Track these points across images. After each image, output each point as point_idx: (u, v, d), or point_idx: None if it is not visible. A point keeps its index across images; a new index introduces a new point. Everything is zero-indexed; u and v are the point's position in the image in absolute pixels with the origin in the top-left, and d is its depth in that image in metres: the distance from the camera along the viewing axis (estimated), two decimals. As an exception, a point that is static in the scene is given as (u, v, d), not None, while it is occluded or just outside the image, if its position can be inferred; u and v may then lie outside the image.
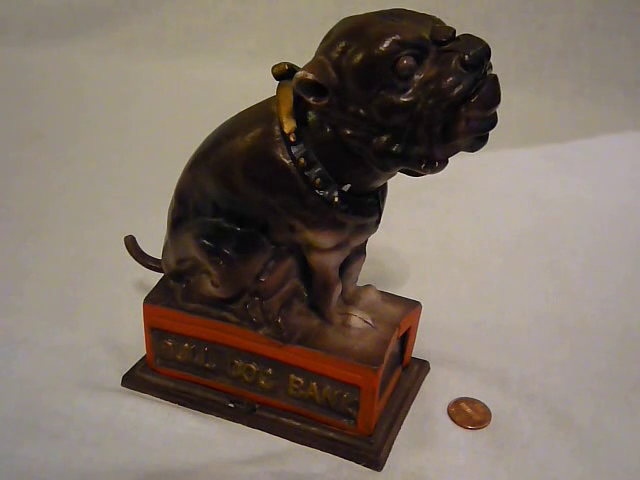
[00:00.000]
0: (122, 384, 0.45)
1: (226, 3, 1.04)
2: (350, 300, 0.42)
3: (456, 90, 0.30)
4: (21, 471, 0.38)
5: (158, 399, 0.44)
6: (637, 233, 0.66)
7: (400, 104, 0.31)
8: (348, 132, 0.33)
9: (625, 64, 0.91)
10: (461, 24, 0.32)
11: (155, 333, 0.43)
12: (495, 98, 0.31)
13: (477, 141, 0.32)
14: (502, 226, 0.66)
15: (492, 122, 0.31)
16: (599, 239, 0.65)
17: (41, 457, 0.39)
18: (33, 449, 0.40)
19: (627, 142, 0.84)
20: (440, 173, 0.35)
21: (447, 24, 0.32)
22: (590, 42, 0.92)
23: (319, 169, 0.35)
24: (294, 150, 0.35)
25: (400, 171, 0.35)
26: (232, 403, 0.43)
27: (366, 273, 0.43)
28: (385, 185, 0.39)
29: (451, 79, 0.30)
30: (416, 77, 0.31)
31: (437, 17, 0.32)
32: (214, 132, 0.39)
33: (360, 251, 0.41)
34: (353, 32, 0.32)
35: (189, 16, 1.05)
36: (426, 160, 0.32)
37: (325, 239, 0.37)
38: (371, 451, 0.40)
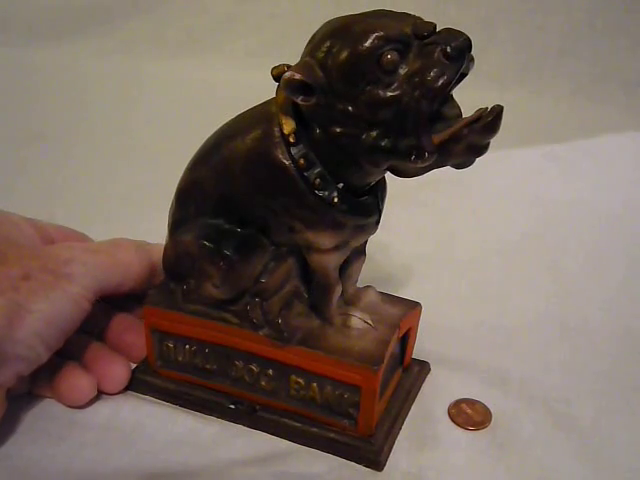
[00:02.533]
0: (123, 385, 0.45)
1: (226, 3, 1.04)
2: (350, 301, 0.42)
3: (440, 81, 0.31)
4: (22, 473, 0.38)
5: (159, 401, 0.44)
6: (637, 233, 0.66)
7: (387, 98, 0.31)
8: (337, 130, 0.33)
9: (625, 64, 0.91)
10: (461, 24, 0.32)
11: (156, 335, 0.43)
12: (496, 128, 0.32)
13: (463, 164, 0.33)
14: (502, 226, 0.66)
15: (482, 151, 0.32)
16: (599, 239, 0.65)
17: (42, 459, 0.39)
18: (34, 451, 0.40)
19: (627, 142, 0.84)
20: (440, 173, 0.35)
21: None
22: (590, 42, 0.92)
23: (318, 169, 0.35)
24: (294, 151, 0.35)
25: (391, 172, 0.35)
26: (233, 404, 0.43)
27: (366, 274, 0.43)
28: (385, 185, 0.39)
29: (435, 70, 0.31)
30: (400, 71, 0.31)
31: (418, 15, 0.33)
32: (214, 133, 0.39)
33: (360, 252, 0.41)
34: (337, 31, 0.32)
35: (189, 16, 1.05)
36: (415, 151, 0.32)
37: (325, 240, 0.37)
38: (372, 451, 0.40)
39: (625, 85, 0.91)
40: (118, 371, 0.43)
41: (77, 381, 0.42)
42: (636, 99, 0.90)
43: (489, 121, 0.31)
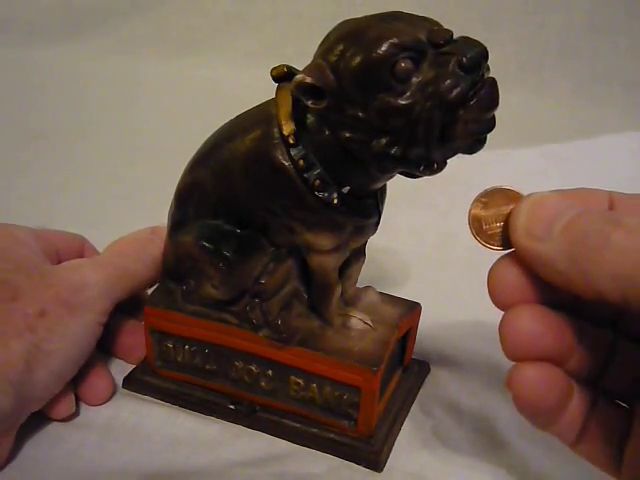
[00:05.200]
0: (123, 386, 0.45)
1: (226, 3, 1.04)
2: (350, 301, 0.42)
3: (454, 92, 0.30)
4: (22, 473, 0.38)
5: (159, 401, 0.44)
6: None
7: (398, 107, 0.31)
8: (347, 135, 0.33)
9: (625, 64, 0.91)
10: (461, 24, 0.32)
11: (155, 335, 0.43)
12: (493, 101, 0.31)
13: (475, 143, 0.32)
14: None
15: (490, 125, 0.31)
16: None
17: (42, 459, 0.39)
18: (34, 452, 0.40)
19: (627, 142, 0.84)
20: (440, 173, 0.35)
21: (447, 24, 0.32)
22: (590, 42, 0.92)
23: (318, 171, 0.35)
24: (293, 152, 0.35)
25: (399, 173, 0.35)
26: (233, 405, 0.43)
27: (366, 274, 0.43)
28: (384, 186, 0.39)
29: (449, 82, 0.30)
30: (414, 80, 0.31)
31: (435, 20, 0.32)
32: (214, 134, 0.39)
33: (359, 253, 0.41)
34: (351, 35, 0.32)
35: (189, 16, 1.05)
36: (425, 162, 0.32)
37: (324, 241, 0.37)
38: (371, 452, 0.40)
39: (625, 85, 0.91)
40: (100, 386, 0.43)
41: (55, 397, 0.41)
42: (636, 99, 0.90)
43: (482, 95, 0.30)
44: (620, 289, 0.23)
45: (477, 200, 0.28)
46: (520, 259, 0.27)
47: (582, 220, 0.25)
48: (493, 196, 0.28)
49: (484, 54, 0.30)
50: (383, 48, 0.30)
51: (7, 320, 0.38)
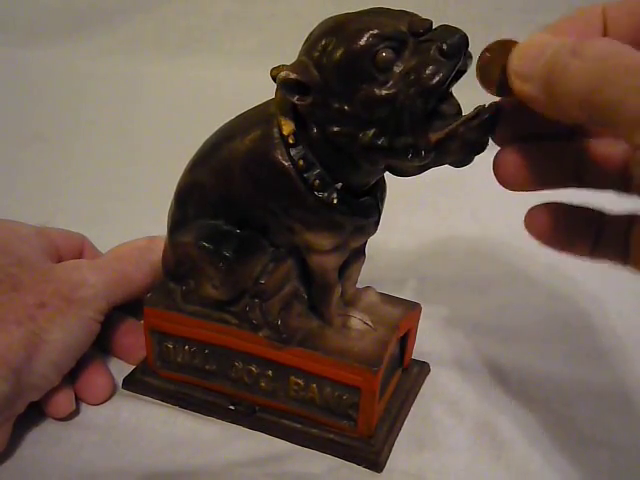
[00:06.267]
0: (122, 387, 0.45)
1: (226, 3, 1.04)
2: (350, 302, 0.42)
3: (436, 78, 0.30)
4: (22, 473, 0.38)
5: (159, 401, 0.44)
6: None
7: (382, 97, 0.31)
8: (334, 129, 0.33)
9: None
10: (461, 24, 0.32)
11: (155, 335, 0.43)
12: (494, 127, 0.31)
13: (465, 160, 0.33)
14: (502, 226, 0.66)
15: (483, 148, 0.32)
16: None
17: (42, 459, 0.39)
18: (34, 451, 0.40)
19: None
20: (440, 173, 0.35)
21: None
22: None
23: (318, 170, 0.35)
24: (293, 152, 0.35)
25: (390, 171, 0.35)
26: (232, 405, 0.43)
27: (365, 274, 0.43)
28: (384, 186, 0.39)
29: (431, 68, 0.30)
30: (396, 69, 0.31)
31: (414, 12, 0.32)
32: (214, 134, 0.39)
33: (359, 253, 0.41)
34: (332, 30, 0.32)
35: (189, 16, 1.05)
36: (412, 150, 0.32)
37: (324, 241, 0.37)
38: (371, 452, 0.40)
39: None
40: (99, 384, 0.43)
41: (55, 395, 0.41)
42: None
43: (486, 118, 0.31)
44: (583, 112, 0.26)
45: (484, 51, 0.30)
46: (518, 100, 0.29)
47: (553, 56, 0.27)
48: (498, 46, 0.30)
49: (464, 40, 0.31)
50: (363, 39, 0.31)
51: (8, 309, 0.39)
